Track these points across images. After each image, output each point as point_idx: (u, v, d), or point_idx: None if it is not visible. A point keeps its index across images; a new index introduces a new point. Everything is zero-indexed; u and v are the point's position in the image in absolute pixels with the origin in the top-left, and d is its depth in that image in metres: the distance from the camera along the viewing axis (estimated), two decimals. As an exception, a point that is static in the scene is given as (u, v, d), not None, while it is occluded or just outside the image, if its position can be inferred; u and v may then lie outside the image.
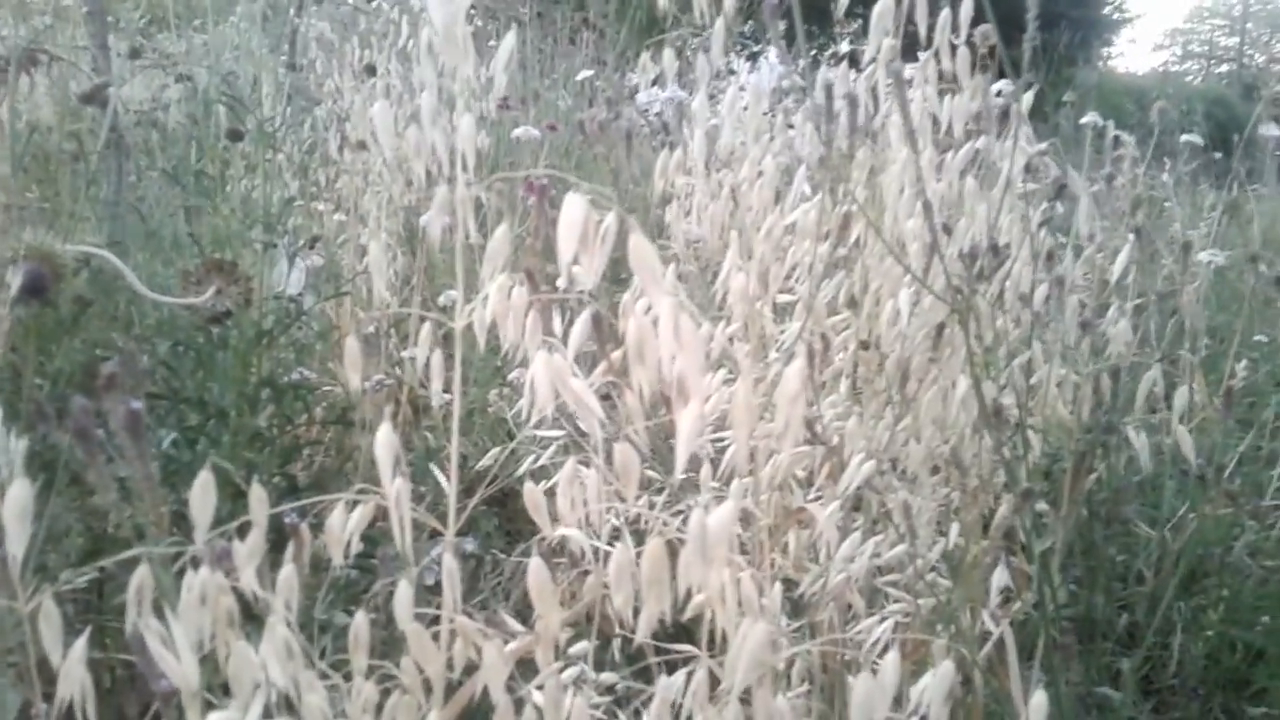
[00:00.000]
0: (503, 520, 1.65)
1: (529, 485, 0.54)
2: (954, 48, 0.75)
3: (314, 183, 1.96)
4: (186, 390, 1.31)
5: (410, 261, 1.98)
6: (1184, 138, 1.67)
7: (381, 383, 1.51)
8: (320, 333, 1.45)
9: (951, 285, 0.67)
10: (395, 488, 0.49)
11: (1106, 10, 9.97)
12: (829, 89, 0.68)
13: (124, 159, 2.52)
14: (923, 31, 0.76)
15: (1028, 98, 0.78)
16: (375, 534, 0.68)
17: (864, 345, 0.76)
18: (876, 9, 0.75)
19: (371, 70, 1.69)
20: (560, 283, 0.49)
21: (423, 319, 0.57)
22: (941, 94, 0.82)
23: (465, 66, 0.57)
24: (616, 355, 0.57)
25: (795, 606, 0.70)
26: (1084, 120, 1.42)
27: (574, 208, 0.42)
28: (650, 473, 0.72)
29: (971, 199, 0.78)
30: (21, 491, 0.42)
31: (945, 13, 0.76)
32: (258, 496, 0.45)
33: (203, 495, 0.44)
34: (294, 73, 1.62)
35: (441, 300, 1.81)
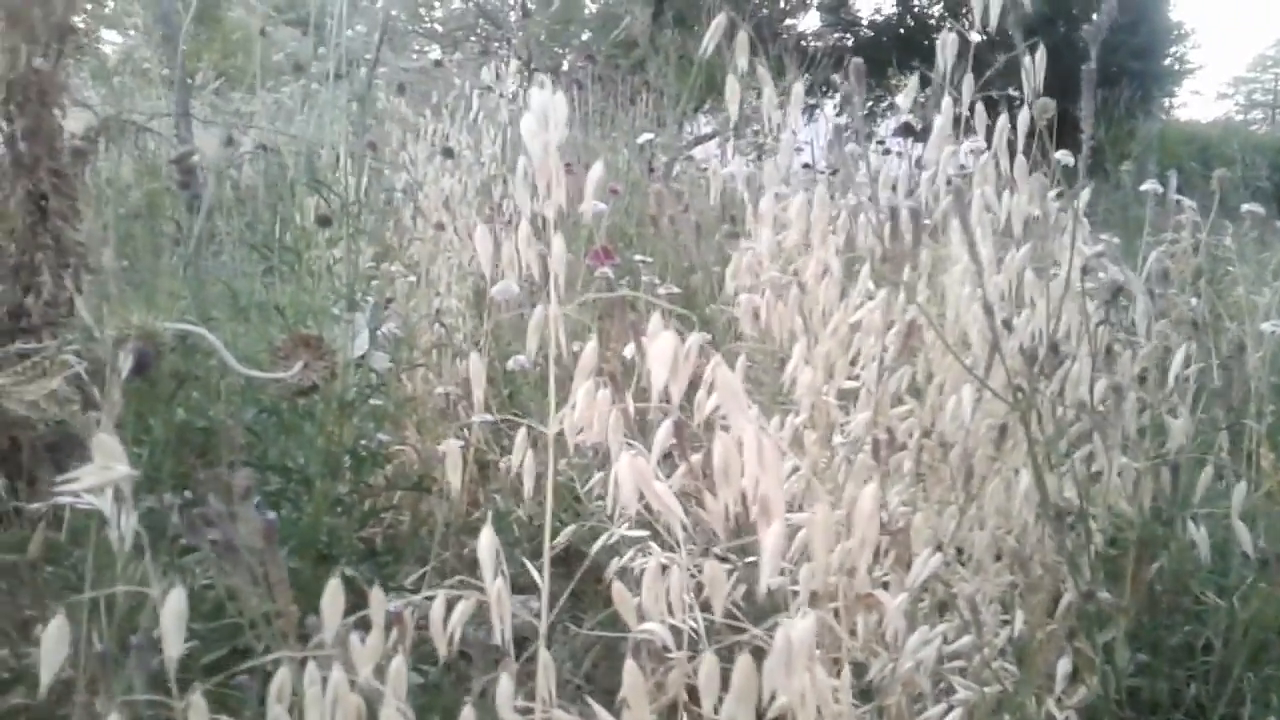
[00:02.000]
0: (566, 579, 1.69)
1: (617, 585, 0.58)
2: (1012, 150, 0.79)
3: (388, 247, 2.04)
4: (270, 457, 1.37)
5: (478, 324, 2.04)
6: (1245, 207, 1.68)
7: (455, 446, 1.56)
8: (399, 403, 1.50)
9: (1012, 383, 0.71)
10: (496, 587, 0.53)
11: (1167, 62, 9.92)
12: (894, 208, 0.72)
13: (203, 220, 2.63)
14: (981, 134, 0.79)
15: (1085, 195, 0.81)
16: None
17: (926, 434, 0.79)
18: (938, 123, 0.79)
19: (449, 153, 1.76)
20: (653, 400, 0.53)
21: (514, 426, 0.62)
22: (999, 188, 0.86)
23: (558, 192, 0.62)
24: (696, 459, 0.61)
25: (864, 691, 0.73)
26: (1144, 187, 1.44)
27: (664, 341, 0.47)
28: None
29: (1030, 291, 0.81)
30: (178, 598, 0.46)
31: (1004, 119, 0.80)
32: (378, 599, 0.50)
33: (332, 601, 0.49)
34: (374, 152, 1.70)
35: (510, 364, 1.86)
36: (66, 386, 1.22)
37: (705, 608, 0.65)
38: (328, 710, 0.47)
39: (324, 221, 1.43)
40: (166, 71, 5.05)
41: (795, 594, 0.73)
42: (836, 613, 0.81)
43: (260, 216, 2.86)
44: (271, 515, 0.53)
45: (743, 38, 0.85)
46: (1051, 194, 0.81)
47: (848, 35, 8.26)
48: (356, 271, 1.39)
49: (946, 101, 0.87)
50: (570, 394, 0.59)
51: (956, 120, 0.98)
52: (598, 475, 1.03)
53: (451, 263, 2.08)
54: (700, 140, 7.02)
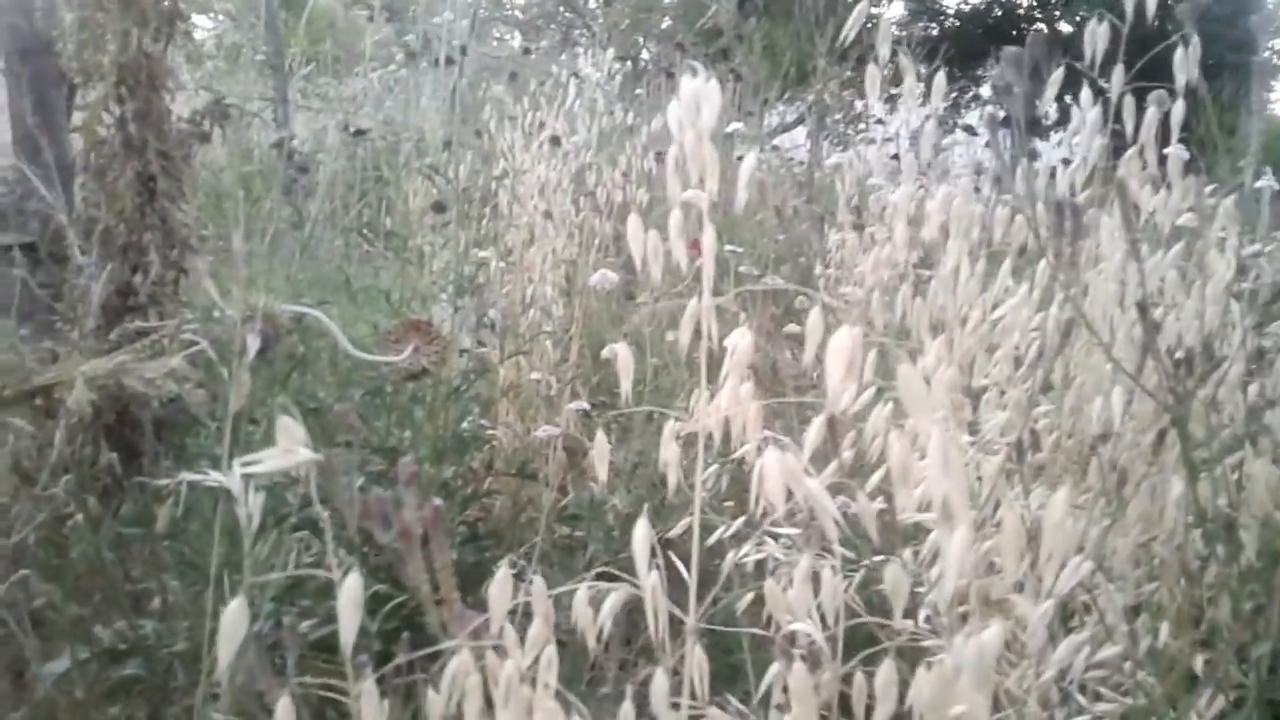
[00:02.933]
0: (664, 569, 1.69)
1: (770, 584, 0.57)
2: (1163, 143, 0.76)
3: (484, 233, 2.05)
4: (376, 439, 1.39)
5: (570, 312, 2.05)
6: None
7: (550, 435, 1.57)
8: (502, 389, 1.51)
9: (1166, 387, 0.68)
10: (651, 580, 0.52)
11: (1267, 55, 9.61)
12: (1059, 204, 0.69)
13: (299, 202, 2.67)
14: (1129, 130, 0.77)
15: (1229, 203, 0.78)
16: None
17: (1067, 436, 0.77)
18: (1090, 116, 0.76)
19: (556, 141, 1.76)
20: (827, 404, 0.52)
21: (655, 415, 0.61)
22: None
23: (712, 182, 0.61)
24: (848, 456, 0.60)
25: (995, 701, 0.71)
26: (1261, 183, 1.39)
27: (843, 339, 0.46)
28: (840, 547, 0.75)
29: (1175, 292, 0.78)
30: (354, 583, 0.47)
31: (1152, 112, 0.77)
32: (539, 589, 0.50)
33: (500, 590, 0.49)
34: (480, 139, 1.71)
35: (604, 353, 1.86)
36: (185, 365, 1.25)
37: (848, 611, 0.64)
38: (503, 699, 0.46)
39: (439, 208, 1.44)
40: (261, 57, 5.14)
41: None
42: (965, 617, 0.79)
43: (354, 201, 2.91)
44: (438, 502, 0.53)
45: (886, 25, 0.83)
46: (1207, 191, 0.79)
47: (934, 25, 8.12)
48: (465, 258, 1.40)
49: (1087, 93, 0.84)
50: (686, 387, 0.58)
51: (1064, 112, 0.95)
52: (711, 468, 1.02)
53: (545, 249, 2.08)
54: (785, 129, 6.97)
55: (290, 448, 0.49)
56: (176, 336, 1.31)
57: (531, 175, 2.11)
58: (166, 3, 2.02)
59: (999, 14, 8.14)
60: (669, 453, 0.59)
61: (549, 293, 2.02)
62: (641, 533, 0.53)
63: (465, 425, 1.43)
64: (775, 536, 0.76)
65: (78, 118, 2.08)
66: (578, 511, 1.47)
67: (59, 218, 2.05)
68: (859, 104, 7.58)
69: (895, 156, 4.64)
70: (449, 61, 1.61)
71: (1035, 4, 8.06)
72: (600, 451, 0.59)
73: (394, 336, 1.25)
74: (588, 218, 2.14)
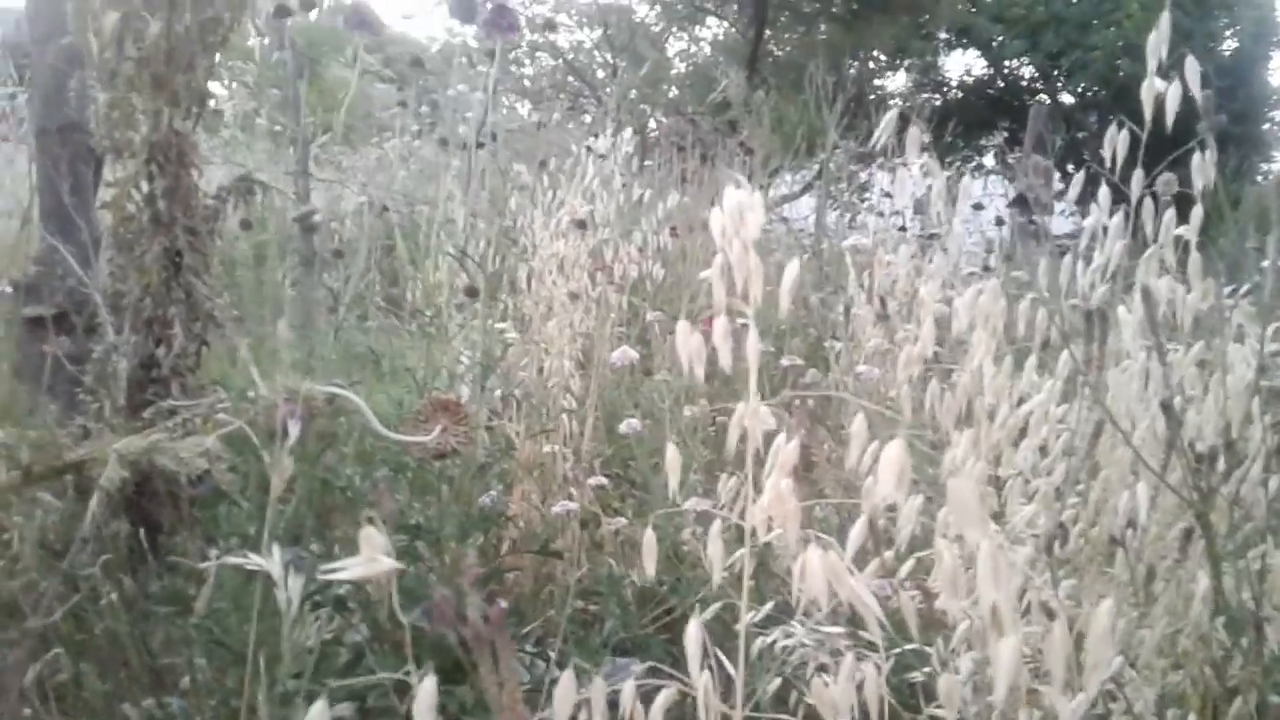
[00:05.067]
0: (671, 643, 1.69)
1: (817, 684, 0.58)
2: (1184, 246, 0.79)
3: (505, 309, 2.08)
4: (400, 516, 1.41)
5: (586, 385, 2.07)
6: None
7: (569, 511, 1.59)
8: (527, 467, 1.53)
9: (1190, 483, 0.70)
10: (704, 681, 0.54)
11: (1267, 127, 9.76)
12: (1089, 312, 0.72)
13: (319, 274, 2.71)
14: (1149, 232, 0.80)
15: (1245, 305, 0.81)
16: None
17: (1091, 527, 0.79)
18: (1114, 222, 0.80)
19: (582, 225, 1.81)
20: (865, 506, 0.55)
21: (707, 515, 0.63)
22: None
23: (756, 289, 0.64)
24: (889, 555, 0.62)
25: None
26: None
27: (895, 451, 0.48)
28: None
29: (1199, 388, 0.81)
30: (430, 687, 0.49)
31: (1170, 214, 0.80)
32: (599, 688, 0.51)
33: (565, 691, 0.50)
34: (502, 220, 1.75)
35: (622, 428, 1.89)
36: (218, 444, 1.27)
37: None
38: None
39: (472, 294, 1.47)
40: (278, 127, 5.22)
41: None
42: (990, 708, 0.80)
43: (370, 273, 2.95)
44: (502, 604, 0.55)
45: (915, 134, 0.86)
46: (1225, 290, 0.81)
47: (937, 95, 8.26)
48: (491, 338, 1.43)
49: (1105, 195, 0.87)
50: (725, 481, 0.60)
51: (1088, 191, 0.98)
52: (740, 551, 1.03)
53: (564, 323, 2.12)
54: (787, 199, 7.06)
55: (372, 556, 0.51)
56: (210, 415, 1.33)
57: (550, 251, 2.15)
58: (196, 83, 2.08)
59: (1002, 85, 8.28)
60: (715, 549, 0.61)
61: (566, 366, 2.05)
62: (694, 633, 0.54)
63: (487, 501, 1.45)
64: (803, 622, 0.77)
65: (105, 193, 2.13)
66: (597, 588, 1.48)
67: (87, 291, 2.09)
68: (864, 174, 7.68)
69: (903, 229, 4.70)
70: (479, 146, 1.65)
71: (1037, 75, 8.20)
72: (649, 547, 0.61)
73: (422, 416, 1.27)
74: (604, 292, 2.18)
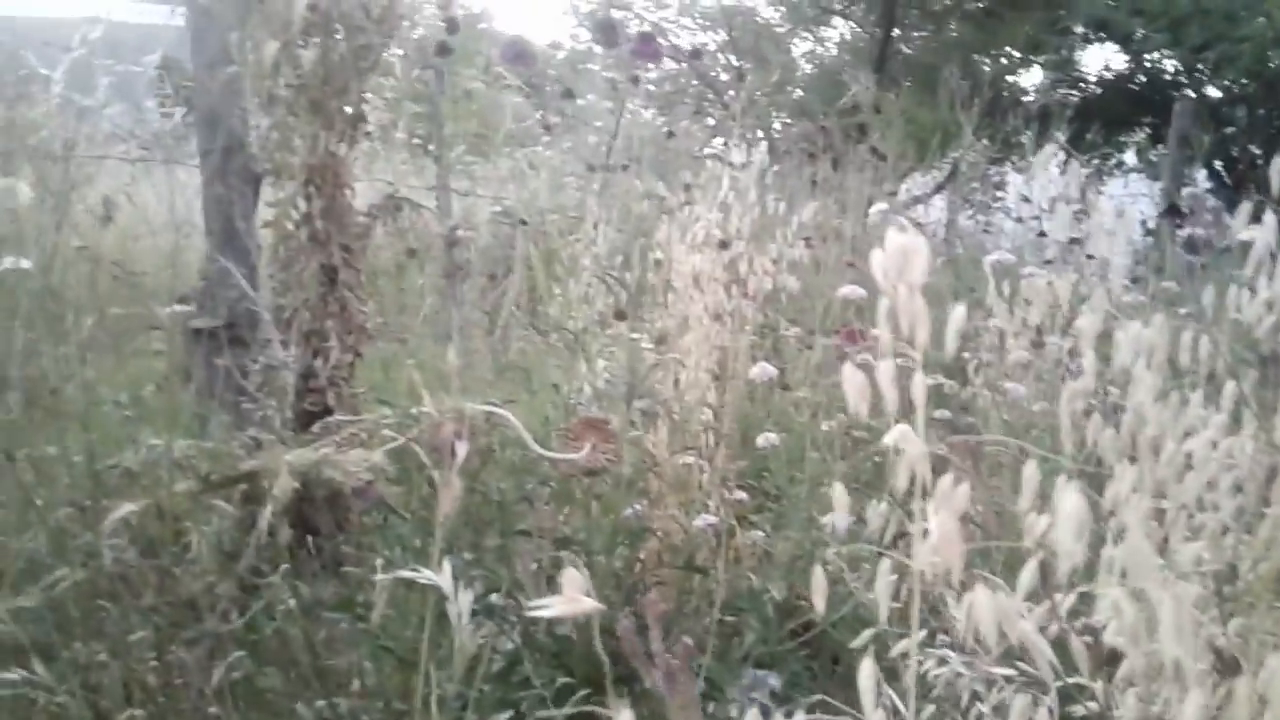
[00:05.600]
0: (810, 659, 1.70)
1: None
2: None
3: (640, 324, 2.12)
4: (547, 529, 1.46)
5: (722, 397, 2.09)
6: None
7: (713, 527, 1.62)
8: (670, 483, 1.57)
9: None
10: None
11: None
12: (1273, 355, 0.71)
13: (460, 286, 2.80)
14: None
15: None
16: None
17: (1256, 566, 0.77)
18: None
19: (724, 245, 1.84)
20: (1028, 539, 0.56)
21: (878, 554, 0.65)
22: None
23: (922, 334, 0.65)
24: (1060, 599, 0.63)
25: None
26: None
27: (1073, 502, 0.49)
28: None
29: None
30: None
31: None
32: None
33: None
34: (641, 237, 1.79)
35: (760, 441, 1.91)
36: (383, 458, 1.34)
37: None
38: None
39: (620, 316, 1.52)
40: (417, 140, 5.39)
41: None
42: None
43: (502, 282, 3.04)
44: (689, 640, 0.58)
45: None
46: None
47: (1074, 92, 8.02)
48: (636, 355, 1.47)
49: (1271, 221, 0.85)
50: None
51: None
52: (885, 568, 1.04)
53: (699, 336, 2.14)
54: (919, 200, 6.94)
55: (574, 597, 0.55)
56: (375, 431, 1.40)
57: (686, 266, 2.18)
58: (350, 107, 2.19)
59: (1143, 80, 7.98)
60: (882, 585, 0.62)
61: (703, 379, 2.07)
62: (868, 672, 0.56)
63: (631, 515, 1.49)
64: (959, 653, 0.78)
65: (266, 213, 2.25)
66: (737, 602, 1.50)
67: (249, 304, 2.21)
68: (998, 174, 7.50)
69: (1042, 234, 4.58)
70: (623, 168, 1.69)
71: (1181, 69, 7.88)
72: (818, 585, 0.63)
73: (572, 434, 1.32)
74: (740, 306, 2.20)
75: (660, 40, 1.45)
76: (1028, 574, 0.60)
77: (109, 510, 1.48)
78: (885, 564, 0.63)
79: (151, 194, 3.02)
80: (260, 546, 1.45)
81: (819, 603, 0.64)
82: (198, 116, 2.56)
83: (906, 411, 0.70)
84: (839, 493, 0.67)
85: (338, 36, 2.04)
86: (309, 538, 1.53)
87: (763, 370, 1.66)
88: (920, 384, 0.66)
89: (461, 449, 1.04)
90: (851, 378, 0.67)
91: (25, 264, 1.47)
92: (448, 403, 1.23)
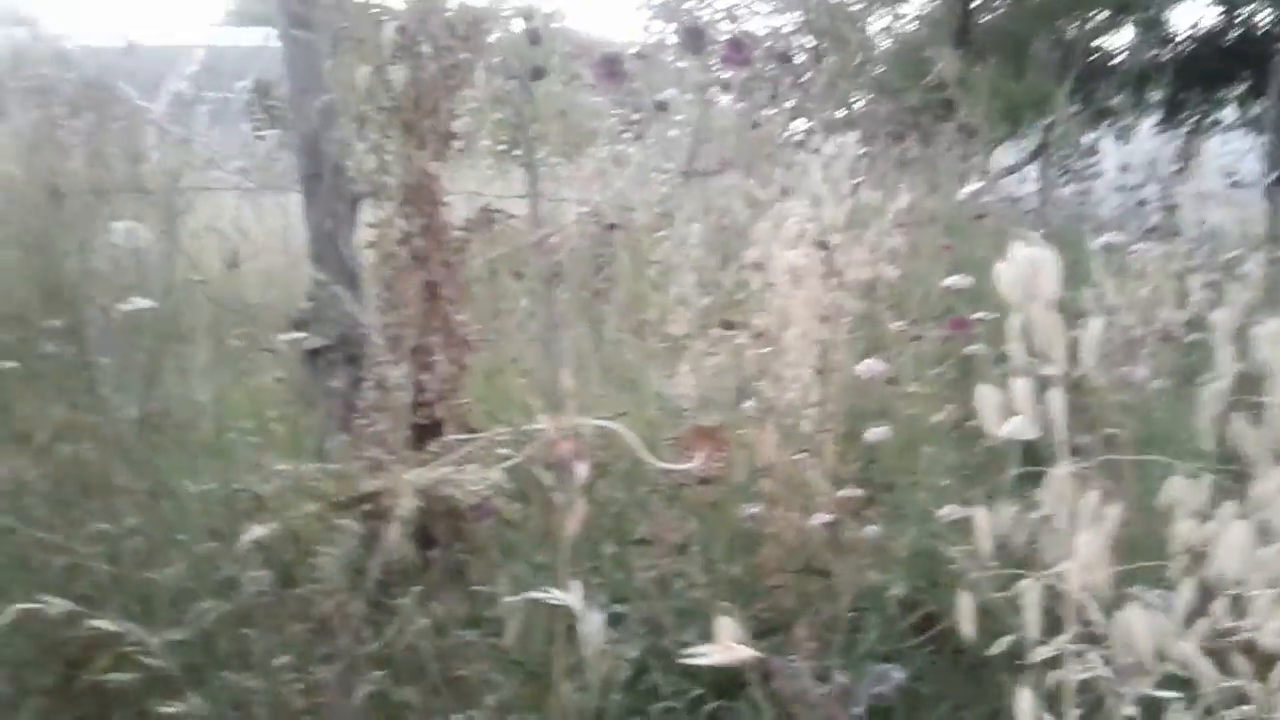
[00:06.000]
0: (934, 653, 1.69)
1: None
2: None
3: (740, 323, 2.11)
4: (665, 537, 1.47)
5: (826, 391, 2.08)
6: None
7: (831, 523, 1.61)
8: (784, 485, 1.57)
9: None
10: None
11: None
12: None
13: (555, 292, 2.83)
14: None
15: None
16: None
17: None
18: None
19: (824, 246, 1.83)
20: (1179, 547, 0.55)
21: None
22: None
23: (1058, 350, 0.64)
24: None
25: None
26: None
27: (1239, 532, 0.48)
28: None
29: None
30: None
31: None
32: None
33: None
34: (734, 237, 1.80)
35: (869, 436, 1.89)
36: (502, 475, 1.37)
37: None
38: None
39: (726, 326, 1.52)
40: (501, 146, 5.44)
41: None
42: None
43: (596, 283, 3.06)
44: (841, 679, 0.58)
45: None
46: None
47: (1165, 50, 7.74)
48: (740, 359, 1.47)
49: None
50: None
51: None
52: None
53: (799, 334, 2.13)
54: (1011, 170, 6.79)
55: (730, 646, 0.56)
56: (491, 448, 1.43)
57: (782, 262, 2.17)
58: (441, 126, 2.22)
59: (1238, 35, 7.67)
60: (1032, 612, 0.62)
61: (807, 376, 2.06)
62: (1027, 702, 0.56)
63: (747, 519, 1.49)
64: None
65: (367, 233, 2.30)
66: (861, 602, 1.50)
67: (356, 324, 2.27)
68: (1091, 138, 7.27)
69: (1142, 202, 4.44)
70: (714, 174, 1.69)
71: (1277, 20, 7.55)
72: (965, 611, 0.63)
73: (685, 443, 1.33)
74: (838, 299, 2.18)
75: (747, 42, 1.44)
76: (1185, 593, 0.59)
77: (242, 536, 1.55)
78: (1034, 592, 0.63)
79: (254, 219, 3.12)
80: (386, 564, 1.50)
81: (967, 627, 0.64)
82: (295, 142, 2.62)
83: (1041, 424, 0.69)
84: (982, 521, 0.67)
85: (426, 58, 2.08)
86: (431, 553, 1.58)
87: (870, 367, 1.65)
88: (1058, 402, 0.65)
89: (581, 469, 1.05)
90: (987, 396, 0.67)
91: (148, 304, 1.53)
92: (562, 420, 1.25)
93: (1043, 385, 0.66)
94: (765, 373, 2.05)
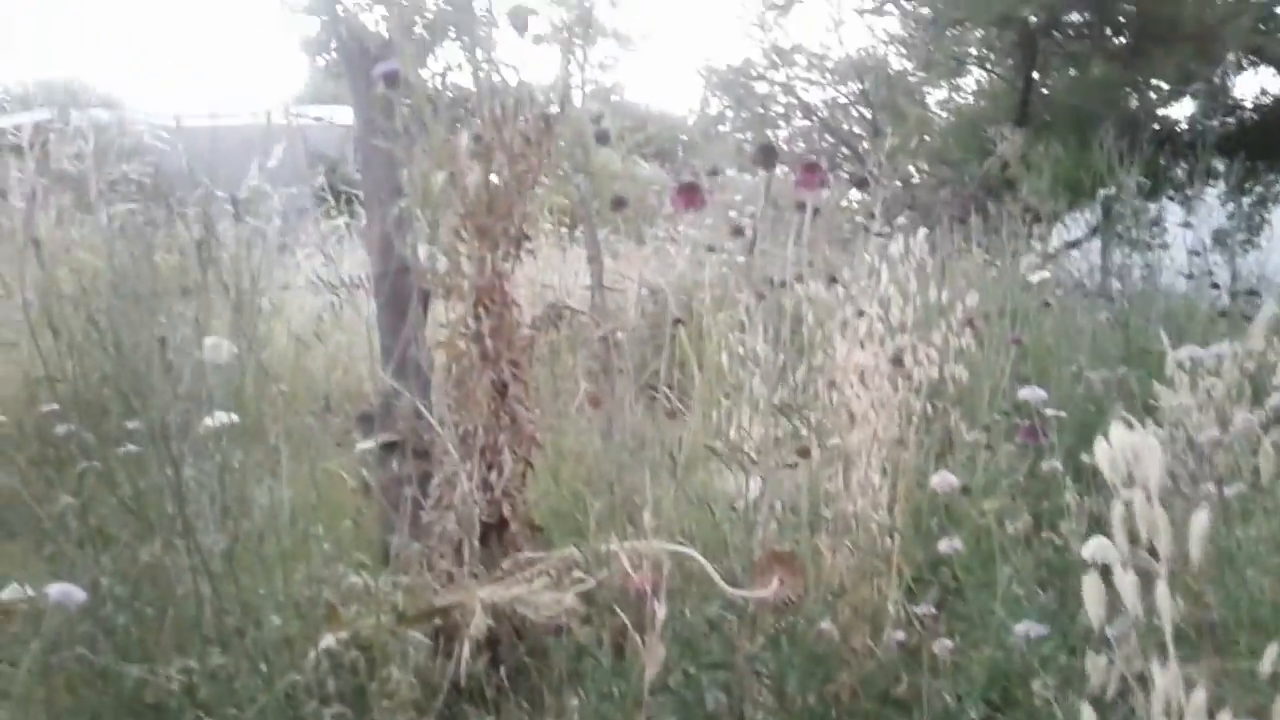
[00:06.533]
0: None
1: None
2: None
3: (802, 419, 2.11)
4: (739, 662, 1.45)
5: (892, 492, 2.06)
6: None
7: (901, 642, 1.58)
8: (855, 602, 1.55)
9: None
10: None
11: None
12: None
13: (619, 382, 2.84)
14: None
15: None
16: None
17: None
18: None
19: (899, 362, 1.83)
20: None
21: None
22: None
23: (1165, 544, 0.63)
24: None
25: None
26: None
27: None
28: None
29: None
30: None
31: None
32: None
33: None
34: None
35: (942, 547, 1.86)
36: (576, 599, 1.37)
37: None
38: None
39: (803, 454, 1.52)
40: (563, 228, 5.50)
41: None
42: None
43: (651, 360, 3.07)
44: None
45: None
46: None
47: (1229, 120, 7.66)
48: (817, 479, 1.46)
49: None
50: None
51: None
52: None
53: (867, 433, 2.12)
54: (1074, 244, 6.71)
55: None
56: (566, 572, 1.43)
57: (849, 360, 2.16)
58: (514, 229, 2.26)
59: (1305, 103, 7.58)
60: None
61: (875, 480, 2.04)
62: None
63: (822, 643, 1.47)
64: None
65: (438, 332, 2.34)
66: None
67: (425, 421, 2.29)
68: (1154, 208, 7.18)
69: (1215, 285, 4.37)
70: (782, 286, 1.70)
71: (1348, 89, 7.45)
72: None
73: (759, 569, 1.32)
74: (906, 398, 2.17)
75: (822, 163, 1.46)
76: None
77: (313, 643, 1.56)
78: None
79: (328, 312, 3.18)
80: (455, 681, 1.50)
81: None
82: (368, 242, 2.69)
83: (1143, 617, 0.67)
84: (1092, 588, 0.65)
85: (501, 165, 2.12)
86: (501, 671, 1.57)
87: (944, 480, 1.63)
88: (1164, 596, 0.64)
89: (660, 611, 1.05)
90: (1092, 588, 0.66)
91: (234, 418, 1.56)
92: (637, 546, 1.25)
93: (1145, 577, 0.65)
94: (836, 483, 2.03)
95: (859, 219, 4.26)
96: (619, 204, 2.34)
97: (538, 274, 4.57)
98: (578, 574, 1.42)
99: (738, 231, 1.62)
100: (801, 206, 1.41)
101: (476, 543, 1.73)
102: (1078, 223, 7.23)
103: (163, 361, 1.82)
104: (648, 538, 1.30)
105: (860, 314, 2.15)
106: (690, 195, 1.41)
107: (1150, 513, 0.62)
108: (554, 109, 2.14)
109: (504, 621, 1.48)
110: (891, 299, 2.24)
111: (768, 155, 1.53)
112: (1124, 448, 0.67)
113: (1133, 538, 0.65)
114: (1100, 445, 0.69)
